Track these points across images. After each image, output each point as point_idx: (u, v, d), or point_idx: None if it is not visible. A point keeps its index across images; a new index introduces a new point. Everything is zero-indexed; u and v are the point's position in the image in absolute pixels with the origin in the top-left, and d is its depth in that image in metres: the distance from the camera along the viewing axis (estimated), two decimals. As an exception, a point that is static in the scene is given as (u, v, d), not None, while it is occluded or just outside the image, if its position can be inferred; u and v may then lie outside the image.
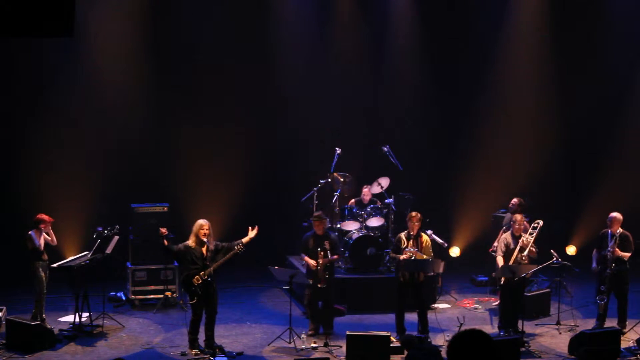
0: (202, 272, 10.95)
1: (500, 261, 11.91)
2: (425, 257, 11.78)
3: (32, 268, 11.91)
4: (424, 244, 11.87)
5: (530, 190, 16.07)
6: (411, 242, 11.82)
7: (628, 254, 11.92)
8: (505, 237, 12.12)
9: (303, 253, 12.26)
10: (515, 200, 13.73)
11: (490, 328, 12.39)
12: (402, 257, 11.74)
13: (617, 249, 11.86)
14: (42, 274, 11.92)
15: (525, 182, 16.09)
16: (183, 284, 11.15)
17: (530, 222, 12.35)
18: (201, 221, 11.11)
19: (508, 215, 13.75)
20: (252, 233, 11.33)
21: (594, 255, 12.19)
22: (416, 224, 11.84)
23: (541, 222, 12.07)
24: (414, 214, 11.95)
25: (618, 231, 11.94)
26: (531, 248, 11.81)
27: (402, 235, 11.95)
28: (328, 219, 13.15)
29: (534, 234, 11.93)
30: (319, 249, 11.89)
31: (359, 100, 17.09)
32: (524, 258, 11.74)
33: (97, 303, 12.41)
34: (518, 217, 12.10)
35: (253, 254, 15.19)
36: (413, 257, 11.70)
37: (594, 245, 12.38)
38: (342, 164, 14.88)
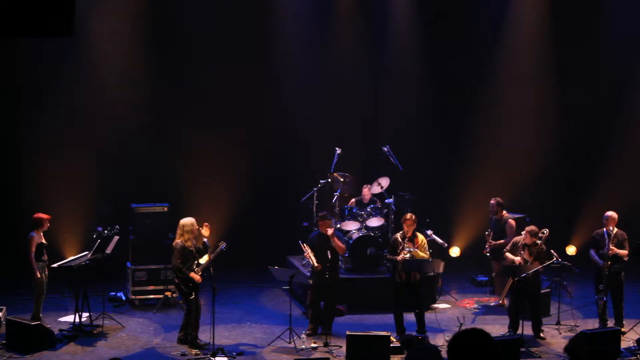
0: (197, 269, 11.19)
1: (509, 256, 12.01)
2: (423, 255, 11.80)
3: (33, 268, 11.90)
4: (419, 244, 11.89)
5: (530, 191, 16.09)
6: (406, 242, 11.83)
7: (626, 252, 11.95)
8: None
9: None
10: (492, 201, 13.79)
11: (491, 328, 12.39)
12: (399, 257, 11.75)
13: (614, 248, 11.89)
14: (43, 273, 11.91)
15: (525, 181, 16.09)
16: (184, 282, 11.18)
17: (529, 222, 12.38)
18: (190, 219, 11.33)
19: (493, 218, 13.81)
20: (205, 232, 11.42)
21: (593, 254, 12.18)
22: (411, 225, 11.86)
23: (547, 232, 12.13)
24: (408, 216, 11.99)
25: (612, 229, 11.96)
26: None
27: (398, 235, 11.98)
28: (334, 219, 13.19)
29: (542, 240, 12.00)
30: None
31: (359, 100, 17.08)
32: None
33: (97, 303, 12.42)
34: (513, 223, 12.20)
35: (253, 254, 15.31)
36: (410, 256, 11.71)
37: (589, 245, 12.38)
38: (342, 164, 14.88)
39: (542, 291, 13.40)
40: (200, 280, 11.21)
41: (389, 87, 17.19)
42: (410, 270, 11.81)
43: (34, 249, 11.81)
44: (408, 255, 11.74)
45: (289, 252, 15.06)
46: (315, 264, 11.87)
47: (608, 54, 17.03)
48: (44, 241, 11.99)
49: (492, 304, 13.88)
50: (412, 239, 11.90)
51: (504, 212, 13.62)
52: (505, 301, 13.17)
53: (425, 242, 12.09)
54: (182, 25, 15.95)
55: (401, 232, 11.97)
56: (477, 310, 13.62)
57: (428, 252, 12.04)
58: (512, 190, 14.17)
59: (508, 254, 12.18)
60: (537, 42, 17.06)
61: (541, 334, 12.00)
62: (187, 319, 11.41)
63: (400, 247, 11.80)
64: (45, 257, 12.01)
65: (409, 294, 11.87)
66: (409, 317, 11.97)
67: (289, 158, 16.62)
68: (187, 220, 11.29)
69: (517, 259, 11.89)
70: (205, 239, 11.47)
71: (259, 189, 16.20)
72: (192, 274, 11.14)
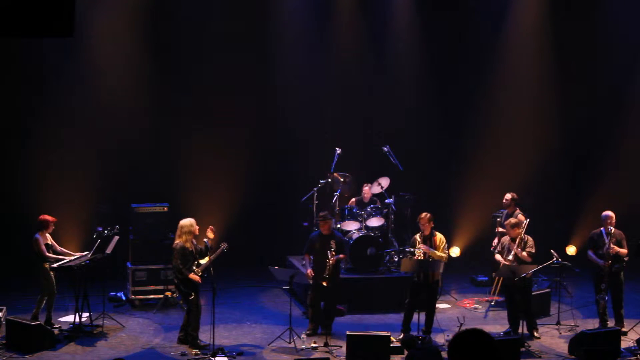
0: (197, 269, 11.19)
1: (498, 258, 12.00)
2: (440, 255, 11.78)
3: (42, 270, 11.89)
4: (437, 243, 11.88)
5: (530, 191, 16.09)
6: (420, 241, 11.85)
7: (626, 251, 11.98)
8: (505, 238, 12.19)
9: (308, 253, 12.24)
10: (508, 195, 13.74)
11: (491, 328, 12.38)
12: (415, 256, 11.77)
13: (615, 247, 11.89)
14: (52, 274, 11.93)
15: (525, 181, 16.09)
16: (184, 282, 11.19)
17: (529, 222, 12.39)
18: (190, 220, 11.33)
19: (505, 212, 13.79)
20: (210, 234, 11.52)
21: (591, 254, 12.16)
22: (426, 224, 11.85)
23: (527, 221, 12.21)
24: (422, 215, 11.95)
25: (611, 229, 11.96)
26: (529, 249, 11.82)
27: (417, 236, 11.98)
28: (334, 219, 13.19)
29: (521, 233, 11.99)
30: (332, 250, 11.89)
31: (359, 100, 17.07)
32: (511, 258, 11.80)
33: (97, 303, 12.42)
34: (523, 218, 12.21)
35: (253, 254, 15.31)
36: (428, 256, 11.73)
37: (587, 246, 12.38)
38: (342, 164, 14.88)
39: (542, 291, 13.44)
40: (199, 281, 11.22)
41: (388, 86, 17.17)
42: (414, 271, 11.83)
43: (43, 248, 11.83)
44: (422, 255, 11.75)
45: (289, 252, 15.07)
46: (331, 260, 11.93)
47: (609, 55, 17.02)
48: (49, 242, 12.00)
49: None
50: (431, 238, 11.90)
51: (517, 208, 13.59)
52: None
53: (444, 242, 12.05)
54: (182, 25, 15.93)
55: (420, 232, 11.98)
56: (477, 310, 13.63)
57: (446, 253, 12.01)
58: (512, 190, 14.14)
59: (497, 255, 12.13)
60: (537, 43, 17.05)
61: (535, 333, 11.97)
62: (188, 319, 11.41)
63: (417, 247, 11.82)
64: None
65: (425, 293, 11.87)
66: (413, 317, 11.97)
67: (289, 158, 16.62)
68: (187, 221, 11.30)
69: (502, 260, 11.88)
70: (206, 240, 11.49)
71: (259, 189, 16.19)
72: (192, 275, 11.15)
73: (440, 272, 12.31)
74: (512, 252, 11.81)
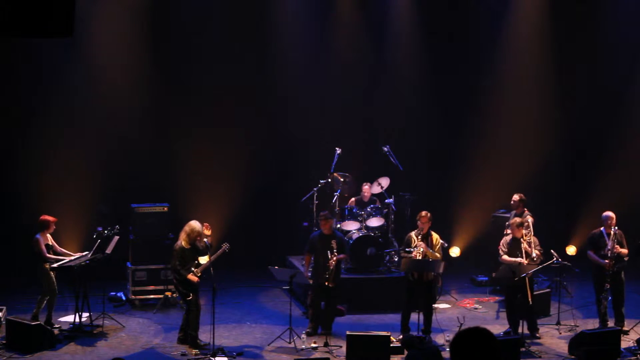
0: (196, 270, 11.17)
1: (507, 259, 11.90)
2: (435, 256, 11.77)
3: (42, 270, 11.89)
4: (434, 243, 11.87)
5: (530, 191, 16.08)
6: (419, 241, 11.83)
7: (627, 251, 12.01)
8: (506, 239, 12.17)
9: (308, 252, 12.24)
10: (516, 197, 13.68)
11: (492, 327, 12.35)
12: (413, 254, 11.74)
13: (617, 246, 11.90)
14: (53, 274, 11.92)
15: (525, 182, 16.08)
16: (182, 283, 11.19)
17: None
18: (197, 226, 11.27)
19: (512, 213, 13.76)
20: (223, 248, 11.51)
21: (592, 255, 12.14)
22: (426, 223, 11.84)
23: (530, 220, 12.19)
24: (423, 213, 11.94)
25: (615, 229, 11.97)
26: (538, 248, 11.85)
27: (413, 233, 11.96)
28: (335, 219, 13.18)
29: (530, 233, 11.98)
30: (334, 250, 11.89)
31: (359, 100, 17.07)
32: (534, 258, 11.76)
33: (97, 303, 12.42)
34: (531, 220, 12.22)
35: (253, 254, 15.30)
36: (422, 253, 11.71)
37: (587, 247, 12.36)
38: (342, 164, 14.87)
39: (542, 291, 13.43)
40: (198, 281, 11.21)
41: (388, 87, 17.16)
42: (413, 270, 11.82)
43: (44, 248, 11.82)
44: (420, 254, 11.74)
45: (289, 252, 15.06)
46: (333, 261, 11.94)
47: (609, 54, 17.03)
48: (49, 242, 12.00)
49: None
50: (427, 237, 11.88)
51: (525, 209, 13.55)
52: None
53: (440, 242, 12.04)
54: (182, 25, 15.92)
55: (416, 230, 11.96)
56: (477, 310, 13.62)
57: (441, 253, 12.00)
58: (512, 190, 14.13)
59: (505, 257, 11.97)
60: (538, 42, 17.04)
61: (536, 334, 11.96)
62: (187, 319, 11.40)
63: (414, 245, 11.80)
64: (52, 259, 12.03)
65: (421, 292, 11.85)
66: (412, 316, 11.95)
67: (289, 158, 16.61)
68: (193, 224, 11.27)
69: (518, 259, 11.81)
70: (206, 240, 11.48)
71: (258, 189, 16.18)
72: (190, 276, 11.13)
73: (441, 272, 12.31)
74: (533, 253, 11.78)
